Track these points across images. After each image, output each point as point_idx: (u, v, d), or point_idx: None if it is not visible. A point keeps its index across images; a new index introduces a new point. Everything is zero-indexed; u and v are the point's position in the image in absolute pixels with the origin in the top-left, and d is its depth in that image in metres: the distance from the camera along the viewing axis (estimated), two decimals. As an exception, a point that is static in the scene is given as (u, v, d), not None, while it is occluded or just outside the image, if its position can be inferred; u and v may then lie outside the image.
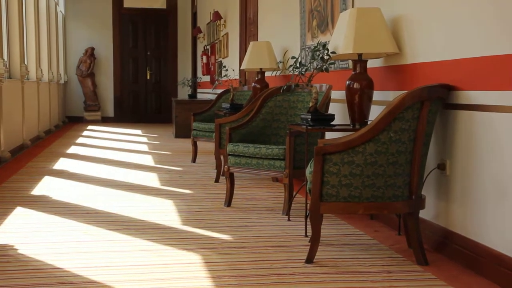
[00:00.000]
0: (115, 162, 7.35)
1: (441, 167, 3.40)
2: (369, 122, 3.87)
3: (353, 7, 4.68)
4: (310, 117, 3.86)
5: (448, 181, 3.35)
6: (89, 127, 13.67)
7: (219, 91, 8.89)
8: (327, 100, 4.51)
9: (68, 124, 14.79)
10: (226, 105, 6.79)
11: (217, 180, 5.80)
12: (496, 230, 2.91)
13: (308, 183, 3.28)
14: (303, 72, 3.99)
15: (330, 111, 4.71)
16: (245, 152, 4.46)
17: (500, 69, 2.87)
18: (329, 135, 4.61)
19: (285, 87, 4.54)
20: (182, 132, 10.68)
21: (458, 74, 3.24)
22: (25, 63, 9.46)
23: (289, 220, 4.17)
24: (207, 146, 8.66)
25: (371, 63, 4.28)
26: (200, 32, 13.55)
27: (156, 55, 15.88)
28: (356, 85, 3.93)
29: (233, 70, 9.10)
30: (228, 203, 4.65)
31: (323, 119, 3.91)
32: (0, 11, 7.82)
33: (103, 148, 9.05)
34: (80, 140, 10.40)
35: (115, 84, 15.58)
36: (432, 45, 3.53)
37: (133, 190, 5.37)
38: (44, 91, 11.36)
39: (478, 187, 3.06)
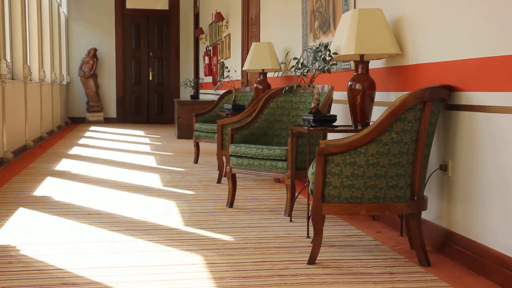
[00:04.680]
0: (117, 163, 7.36)
1: (443, 168, 3.40)
2: (371, 123, 3.87)
3: (355, 8, 4.68)
4: (312, 118, 3.86)
5: (450, 182, 3.35)
6: (92, 127, 13.69)
7: (221, 92, 8.91)
8: (329, 101, 4.51)
9: (71, 125, 14.80)
10: (228, 106, 6.80)
11: (219, 181, 5.81)
12: (498, 231, 2.91)
13: (310, 184, 3.28)
14: (305, 73, 3.99)
15: (332, 112, 4.72)
16: (247, 153, 4.46)
17: (501, 70, 2.87)
18: (331, 136, 4.60)
19: (287, 88, 4.54)
20: (184, 133, 10.68)
21: (459, 75, 3.24)
22: (28, 64, 9.48)
23: (291, 221, 4.17)
24: (209, 147, 8.67)
25: (373, 64, 4.28)
26: (202, 33, 13.56)
27: (158, 56, 15.90)
28: (358, 86, 3.93)
29: (235, 71, 9.11)
30: (230, 204, 4.65)
31: (325, 120, 3.91)
32: (3, 12, 7.83)
33: (105, 149, 9.06)
34: (82, 141, 10.41)
35: (117, 85, 15.60)
36: (433, 46, 3.53)
37: (136, 191, 5.37)
38: (46, 92, 11.38)
39: (480, 188, 3.06)
